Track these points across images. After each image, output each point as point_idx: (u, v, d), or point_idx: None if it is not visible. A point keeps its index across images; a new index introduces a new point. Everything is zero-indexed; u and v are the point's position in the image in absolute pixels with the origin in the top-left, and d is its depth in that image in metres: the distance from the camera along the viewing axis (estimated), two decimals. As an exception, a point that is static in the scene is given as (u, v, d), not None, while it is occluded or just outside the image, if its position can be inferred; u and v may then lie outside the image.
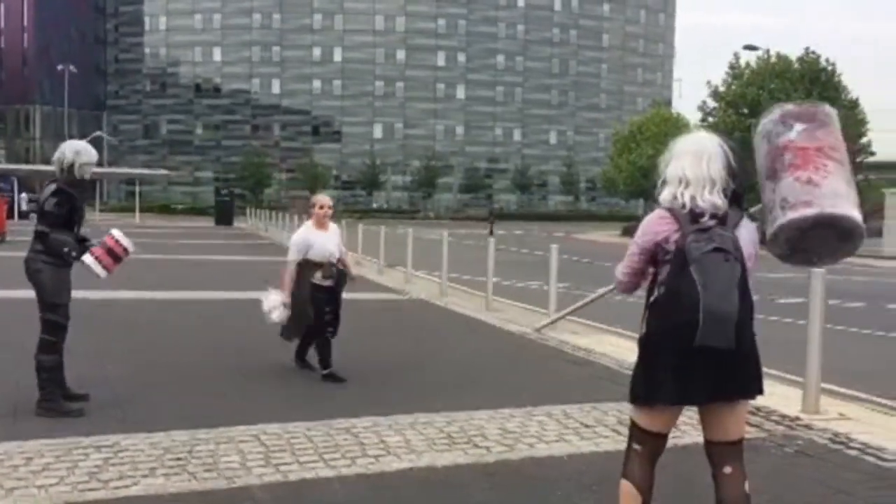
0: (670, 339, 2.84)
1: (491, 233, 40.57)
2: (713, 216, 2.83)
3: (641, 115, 62.36)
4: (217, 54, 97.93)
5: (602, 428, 5.37)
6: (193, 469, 4.32)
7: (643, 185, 55.54)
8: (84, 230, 5.68)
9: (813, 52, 38.74)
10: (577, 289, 13.71)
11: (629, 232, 46.65)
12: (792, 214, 2.76)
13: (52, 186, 5.45)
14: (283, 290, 6.70)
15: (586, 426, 5.39)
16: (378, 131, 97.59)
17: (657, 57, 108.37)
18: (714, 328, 2.70)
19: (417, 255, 15.87)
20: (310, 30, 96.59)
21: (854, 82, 66.70)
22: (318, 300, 6.67)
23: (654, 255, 2.94)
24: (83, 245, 5.46)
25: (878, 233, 40.22)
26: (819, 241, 2.84)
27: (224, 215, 46.79)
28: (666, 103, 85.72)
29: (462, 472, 4.45)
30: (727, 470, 2.98)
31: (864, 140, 38.12)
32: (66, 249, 5.33)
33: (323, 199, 6.98)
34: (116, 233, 5.50)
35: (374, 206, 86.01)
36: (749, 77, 39.13)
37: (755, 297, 2.90)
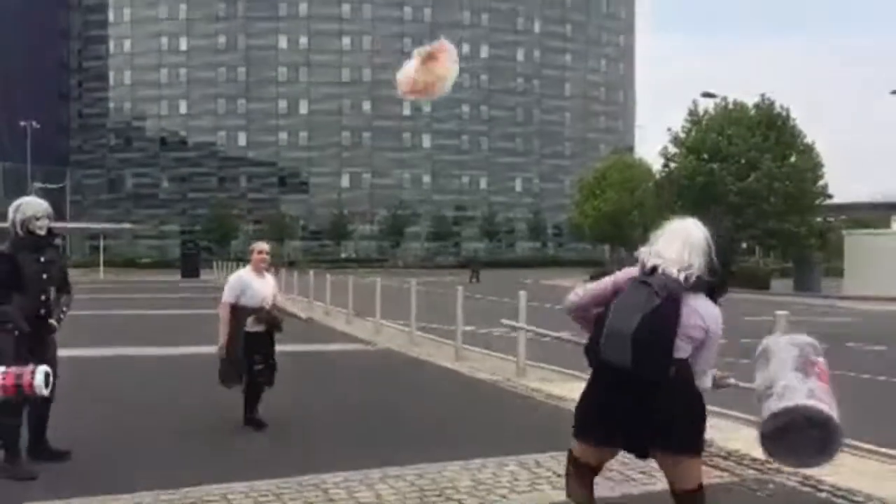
0: (591, 363, 3.24)
1: (472, 280, 40.82)
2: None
3: (604, 162, 63.30)
4: (183, 107, 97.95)
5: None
6: (159, 532, 4.23)
7: (609, 231, 56.18)
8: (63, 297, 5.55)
9: (768, 98, 39.84)
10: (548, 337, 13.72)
11: (598, 278, 46.96)
12: (814, 403, 3.11)
13: None
14: (220, 335, 6.70)
15: (558, 475, 5.34)
16: (345, 181, 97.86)
17: (619, 104, 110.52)
18: (610, 342, 3.04)
19: (386, 304, 15.82)
20: (275, 82, 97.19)
21: (811, 124, 68.48)
22: (251, 348, 6.72)
23: (612, 289, 3.27)
24: (44, 316, 5.31)
25: (840, 273, 40.95)
26: (805, 443, 3.19)
27: (190, 268, 46.54)
28: (628, 149, 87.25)
29: (435, 526, 4.40)
30: None
31: (821, 183, 39.00)
32: (11, 326, 5.13)
33: (261, 245, 7.16)
34: (38, 381, 4.69)
35: (343, 255, 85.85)
36: (708, 123, 40.02)
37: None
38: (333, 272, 27.08)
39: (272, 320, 6.88)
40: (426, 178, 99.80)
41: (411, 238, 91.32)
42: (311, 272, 23.27)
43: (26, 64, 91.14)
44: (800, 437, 3.16)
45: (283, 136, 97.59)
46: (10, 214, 5.32)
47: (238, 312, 6.73)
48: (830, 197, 39.62)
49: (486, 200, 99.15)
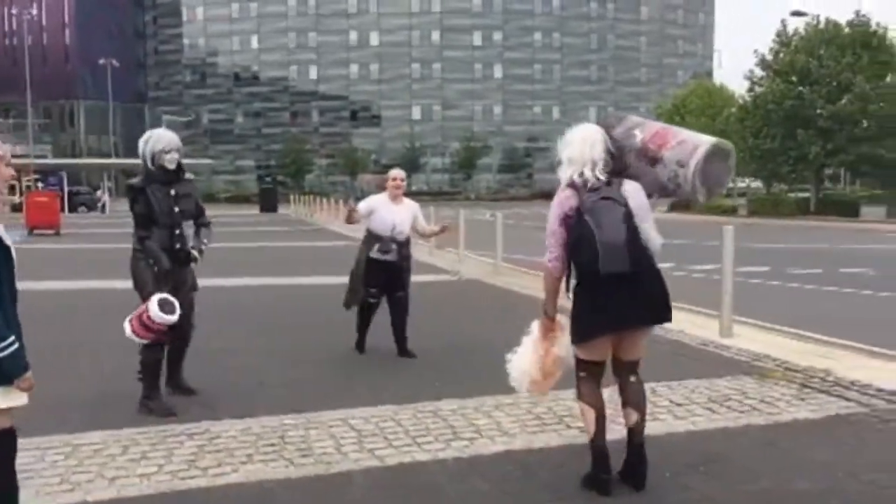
0: (586, 277, 3.65)
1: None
2: (599, 183, 3.70)
3: (684, 88, 61.14)
4: (254, 42, 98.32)
5: (694, 406, 5.23)
6: (289, 455, 4.30)
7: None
8: (189, 229, 5.40)
9: (863, 16, 37.59)
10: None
11: (675, 207, 45.77)
12: (693, 161, 3.66)
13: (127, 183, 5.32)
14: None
15: (677, 404, 5.25)
16: (416, 113, 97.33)
17: (697, 27, 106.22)
18: (610, 256, 3.52)
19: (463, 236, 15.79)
20: (345, 14, 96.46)
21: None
22: (371, 274, 6.68)
23: (566, 223, 3.70)
24: (178, 250, 5.28)
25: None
26: (714, 170, 3.75)
27: (268, 203, 47.15)
28: (707, 74, 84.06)
29: (558, 453, 4.35)
30: (633, 378, 3.86)
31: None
32: (152, 263, 5.20)
33: (395, 171, 7.04)
34: (153, 310, 4.94)
35: (414, 188, 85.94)
36: (797, 44, 38.09)
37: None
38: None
39: (399, 252, 6.75)
40: (497, 109, 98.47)
41: (483, 170, 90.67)
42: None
43: (102, 2, 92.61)
44: (710, 173, 3.73)
45: (354, 68, 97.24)
46: (141, 146, 5.26)
47: (367, 237, 6.77)
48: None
49: (559, 130, 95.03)
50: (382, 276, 6.72)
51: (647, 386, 5.56)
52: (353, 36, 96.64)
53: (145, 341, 5.08)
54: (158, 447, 4.42)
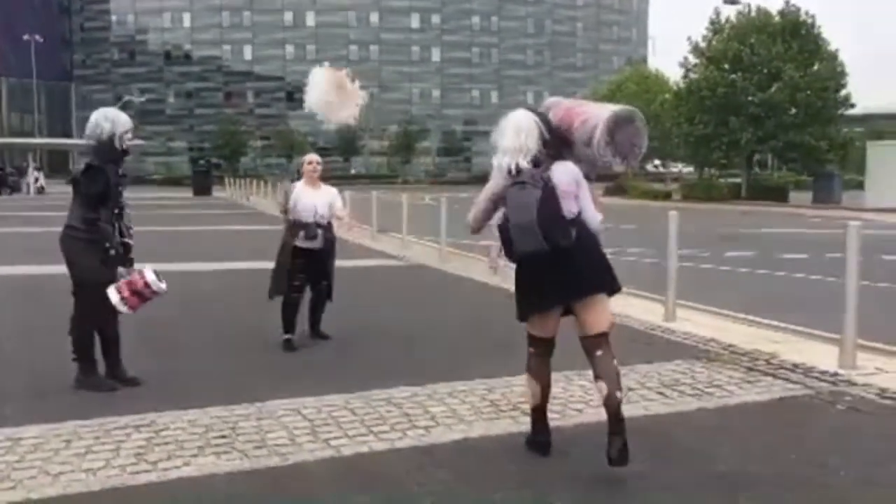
0: (513, 260, 3.84)
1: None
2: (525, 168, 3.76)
3: (620, 74, 61.91)
4: (186, 20, 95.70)
5: (646, 391, 5.27)
6: (242, 447, 4.18)
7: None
8: (126, 211, 5.41)
9: (793, 5, 38.54)
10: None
11: (611, 192, 46.41)
12: (595, 139, 3.75)
13: (84, 162, 5.19)
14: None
15: (630, 389, 5.27)
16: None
17: (632, 14, 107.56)
18: (521, 237, 3.67)
19: (399, 219, 15.73)
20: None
21: (834, 33, 66.97)
22: (296, 263, 6.52)
23: (494, 200, 3.89)
24: (121, 242, 5.28)
25: (857, 186, 40.51)
26: (623, 137, 3.81)
27: (202, 185, 45.98)
28: (641, 60, 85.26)
29: (515, 440, 4.31)
30: (598, 353, 3.79)
31: (843, 92, 38.08)
32: (108, 246, 5.15)
33: (310, 155, 7.02)
34: (150, 276, 5.11)
35: (353, 171, 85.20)
36: (730, 32, 38.83)
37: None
38: (343, 188, 26.80)
39: (324, 237, 6.67)
40: (435, 93, 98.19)
41: (421, 153, 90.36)
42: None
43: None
44: (620, 142, 3.81)
45: (290, 49, 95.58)
46: (101, 123, 5.19)
47: (291, 226, 6.60)
48: (853, 106, 38.66)
49: (497, 114, 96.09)
50: (310, 264, 6.60)
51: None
52: (289, 15, 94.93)
53: (130, 311, 5.14)
54: (104, 441, 4.25)
